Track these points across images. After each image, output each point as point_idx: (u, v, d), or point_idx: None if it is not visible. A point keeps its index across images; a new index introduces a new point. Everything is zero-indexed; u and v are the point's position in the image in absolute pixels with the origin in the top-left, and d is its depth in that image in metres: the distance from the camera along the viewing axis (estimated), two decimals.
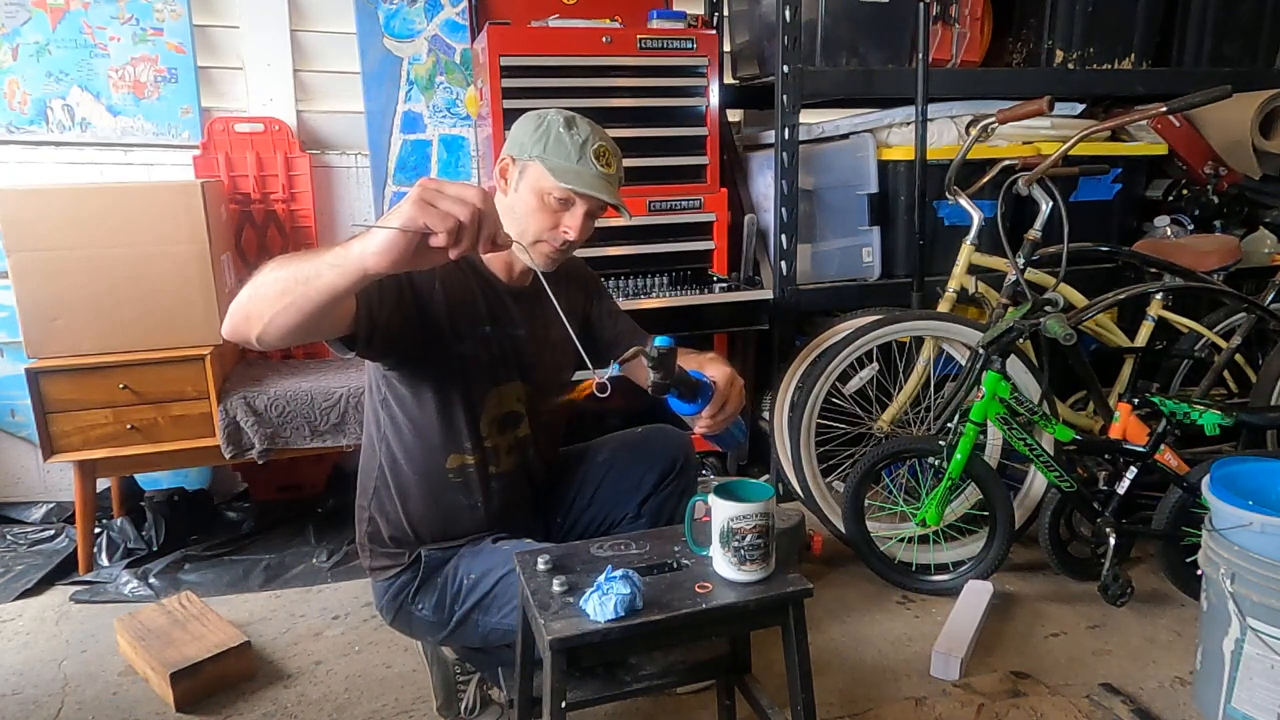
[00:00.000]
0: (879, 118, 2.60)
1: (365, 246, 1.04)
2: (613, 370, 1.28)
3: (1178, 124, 2.86)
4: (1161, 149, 2.85)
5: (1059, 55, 2.77)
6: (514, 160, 1.51)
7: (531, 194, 1.48)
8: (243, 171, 2.70)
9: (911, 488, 2.38)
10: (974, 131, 2.37)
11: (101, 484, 2.46)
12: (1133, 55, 2.84)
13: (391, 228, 1.01)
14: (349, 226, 2.86)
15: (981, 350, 2.07)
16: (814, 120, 2.70)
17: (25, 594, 2.26)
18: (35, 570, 2.36)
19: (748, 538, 1.25)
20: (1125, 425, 2.11)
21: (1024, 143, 2.64)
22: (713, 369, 1.47)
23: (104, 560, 2.41)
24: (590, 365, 1.32)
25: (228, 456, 2.34)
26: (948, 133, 2.58)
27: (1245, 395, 2.58)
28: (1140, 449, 2.07)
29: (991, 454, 2.44)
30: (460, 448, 1.59)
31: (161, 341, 2.33)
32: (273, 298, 1.12)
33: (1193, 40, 2.90)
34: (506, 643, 1.52)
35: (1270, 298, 2.51)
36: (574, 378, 1.80)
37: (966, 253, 2.39)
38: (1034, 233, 2.26)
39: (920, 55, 2.46)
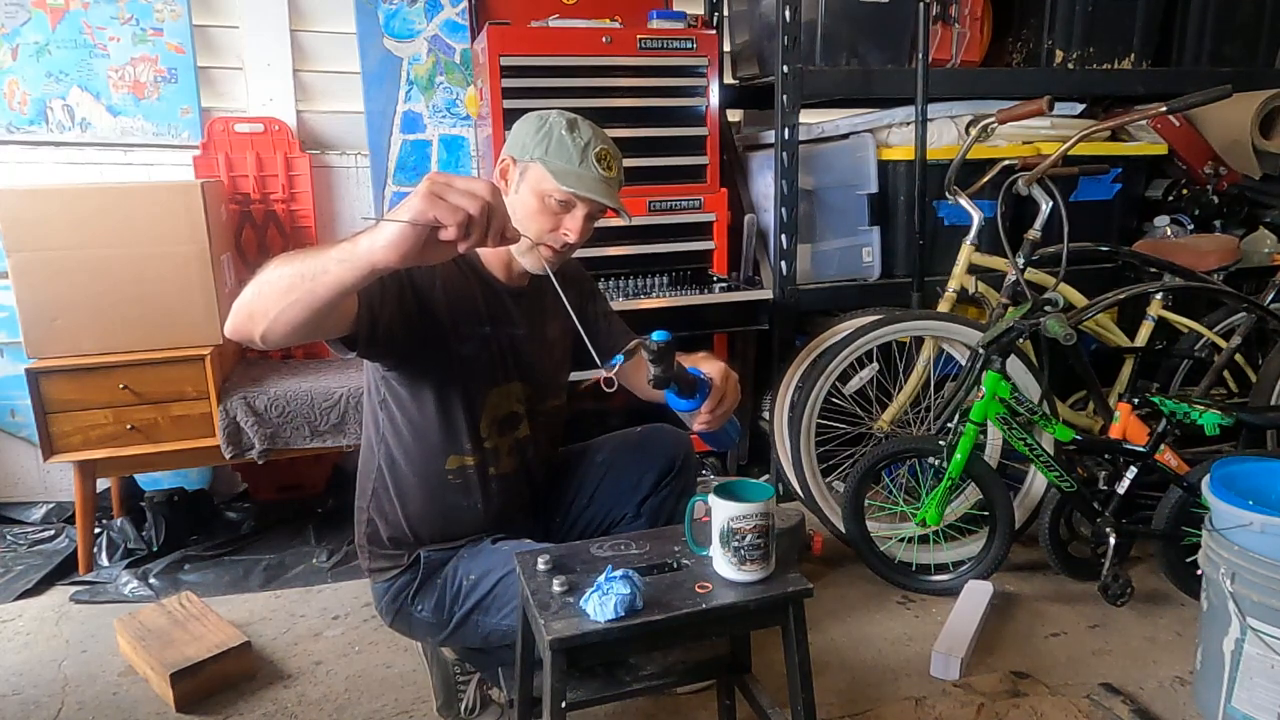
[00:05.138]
0: (879, 118, 2.60)
1: (374, 241, 1.04)
2: (615, 361, 1.28)
3: (1178, 124, 2.86)
4: (1161, 149, 2.85)
5: (1059, 55, 2.77)
6: (515, 161, 1.51)
7: (532, 195, 1.48)
8: (243, 171, 2.70)
9: (911, 488, 2.38)
10: (974, 131, 2.37)
11: (101, 484, 2.46)
12: (1133, 55, 2.83)
13: (401, 221, 1.01)
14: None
15: (981, 350, 2.07)
16: (814, 120, 2.70)
17: (25, 594, 2.26)
18: (35, 570, 2.36)
19: (748, 538, 1.25)
20: (1125, 425, 2.11)
21: (1024, 143, 2.64)
22: (707, 366, 1.47)
23: (104, 560, 2.41)
24: (599, 362, 1.32)
25: (228, 456, 2.34)
26: (948, 133, 2.58)
27: (1245, 395, 2.58)
28: (1140, 449, 2.07)
29: (991, 454, 2.44)
30: (460, 448, 1.59)
31: (161, 341, 2.33)
32: (278, 295, 1.12)
33: (1193, 40, 2.90)
34: (506, 643, 1.52)
35: (1270, 298, 2.51)
36: (575, 378, 1.80)
37: (966, 253, 2.39)
38: (1034, 233, 2.26)
39: (920, 55, 2.46)
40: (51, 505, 2.73)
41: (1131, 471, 2.08)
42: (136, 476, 2.66)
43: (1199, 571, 1.75)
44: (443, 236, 1.02)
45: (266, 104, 2.76)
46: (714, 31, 2.62)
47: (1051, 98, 2.13)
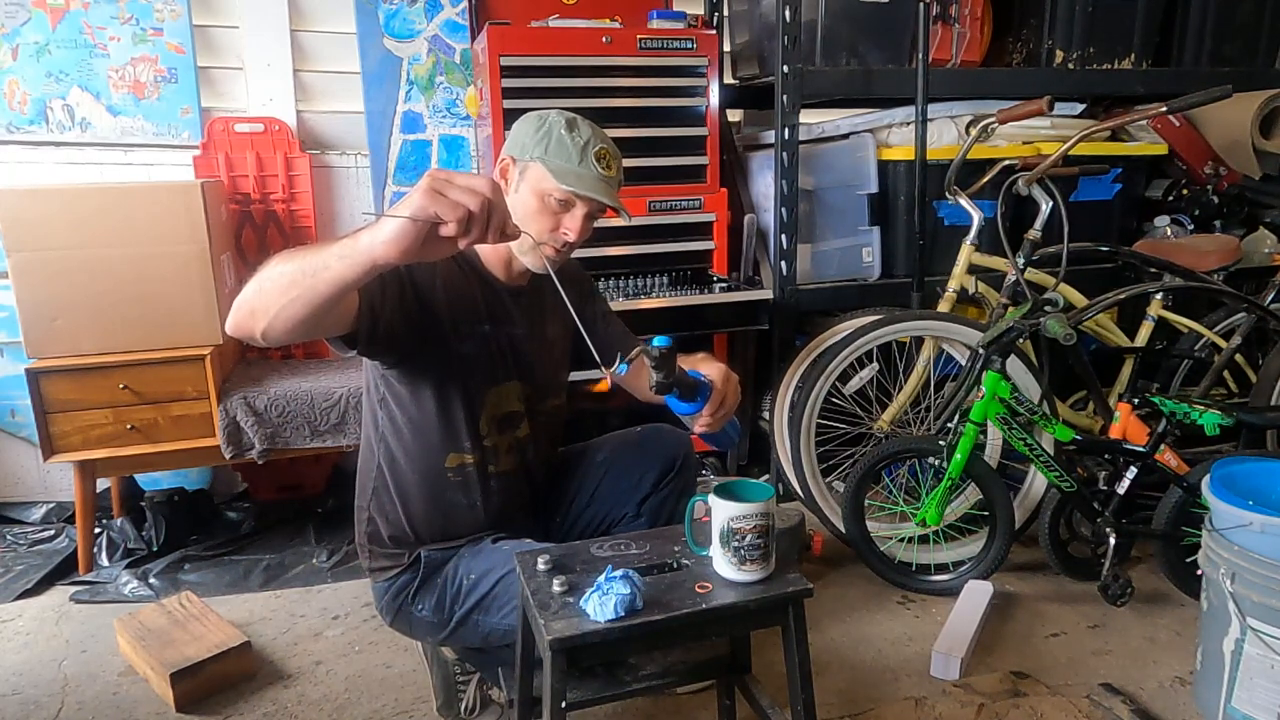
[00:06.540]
0: (879, 118, 2.60)
1: (375, 236, 1.04)
2: (621, 370, 1.29)
3: (1178, 124, 2.86)
4: (1161, 149, 2.85)
5: (1059, 55, 2.77)
6: (515, 161, 1.51)
7: (532, 195, 1.48)
8: (243, 171, 2.70)
9: (911, 488, 2.38)
10: (974, 131, 2.37)
11: (101, 484, 2.46)
12: (1133, 55, 2.83)
13: (402, 216, 1.01)
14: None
15: (981, 350, 2.07)
16: (814, 120, 2.70)
17: (25, 594, 2.26)
18: (35, 570, 2.36)
19: (748, 538, 1.25)
20: (1125, 425, 2.11)
21: (1024, 143, 2.64)
22: (707, 368, 1.47)
23: (104, 560, 2.41)
24: (599, 362, 1.32)
25: (228, 456, 2.34)
26: (948, 133, 2.58)
27: (1245, 395, 2.58)
28: (1140, 449, 2.07)
29: (991, 454, 2.44)
30: (459, 447, 1.59)
31: (161, 341, 2.33)
32: (279, 291, 1.12)
33: (1193, 40, 2.90)
34: (506, 643, 1.52)
35: (1270, 298, 2.51)
36: (582, 378, 1.80)
37: (966, 253, 2.39)
38: (1034, 233, 2.26)
39: (920, 55, 2.45)
40: (51, 505, 2.73)
41: (1131, 471, 2.08)
42: (136, 476, 2.66)
43: (1199, 571, 1.75)
44: (443, 232, 1.02)
45: (266, 104, 2.76)
46: (714, 31, 2.62)
47: (1051, 98, 2.13)
